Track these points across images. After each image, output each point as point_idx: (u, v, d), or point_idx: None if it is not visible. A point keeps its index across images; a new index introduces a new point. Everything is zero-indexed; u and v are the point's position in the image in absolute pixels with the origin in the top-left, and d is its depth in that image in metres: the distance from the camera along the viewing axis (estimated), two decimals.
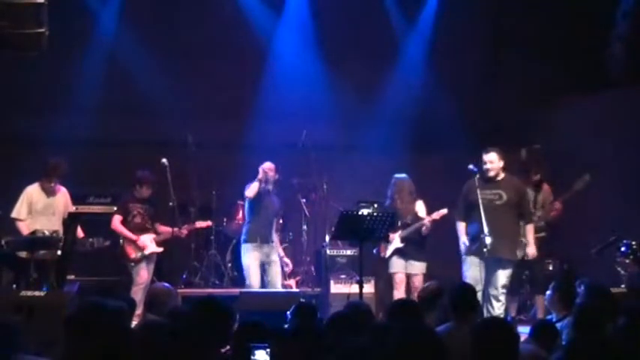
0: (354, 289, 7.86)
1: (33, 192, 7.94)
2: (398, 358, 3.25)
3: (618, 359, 3.31)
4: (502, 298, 7.42)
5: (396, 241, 8.31)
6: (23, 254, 7.47)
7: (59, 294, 6.85)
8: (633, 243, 7.77)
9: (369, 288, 8.49)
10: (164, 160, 8.69)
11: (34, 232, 7.62)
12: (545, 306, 7.07)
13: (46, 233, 7.58)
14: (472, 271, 7.41)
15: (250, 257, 8.40)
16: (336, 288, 9.13)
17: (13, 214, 7.84)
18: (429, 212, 8.31)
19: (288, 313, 4.91)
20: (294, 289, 9.06)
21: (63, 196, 8.11)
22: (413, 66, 10.71)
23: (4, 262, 7.60)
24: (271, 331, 4.01)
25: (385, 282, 8.68)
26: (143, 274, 8.29)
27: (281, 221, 9.40)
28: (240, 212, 9.58)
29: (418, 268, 8.33)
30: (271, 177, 8.41)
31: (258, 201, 8.45)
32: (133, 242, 8.30)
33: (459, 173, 7.85)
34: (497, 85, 10.87)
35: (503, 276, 7.43)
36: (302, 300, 6.66)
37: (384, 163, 9.59)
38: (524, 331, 5.74)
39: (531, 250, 7.67)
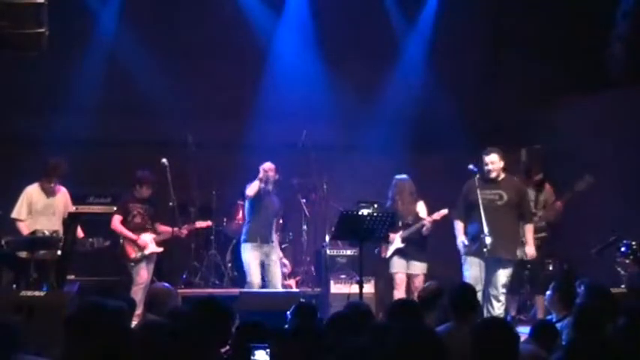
0: (354, 289, 7.87)
1: (33, 192, 7.94)
2: (398, 358, 3.25)
3: (618, 359, 3.31)
4: (502, 298, 7.42)
5: (396, 241, 8.32)
6: (23, 254, 7.47)
7: (59, 294, 6.85)
8: (633, 243, 7.76)
9: (369, 288, 8.49)
10: (164, 160, 8.69)
11: (34, 232, 7.62)
12: (545, 306, 7.07)
13: (46, 233, 7.58)
14: (472, 270, 7.41)
15: (250, 256, 8.43)
16: (336, 288, 9.13)
17: (13, 215, 7.84)
18: (430, 213, 8.32)
19: (288, 313, 4.91)
20: (294, 289, 9.07)
21: (63, 196, 8.11)
22: (413, 66, 10.71)
23: (4, 262, 7.59)
24: (271, 331, 4.01)
25: (385, 282, 8.68)
26: (143, 274, 8.29)
27: (281, 221, 9.41)
28: (240, 212, 9.58)
29: (419, 268, 8.33)
30: (271, 177, 8.43)
31: (259, 201, 8.46)
32: (133, 242, 8.30)
33: (459, 173, 7.85)
34: (497, 85, 10.87)
35: (503, 276, 7.43)
36: (302, 300, 6.66)
37: (384, 163, 9.59)
38: (524, 331, 5.74)
39: (530, 250, 7.67)
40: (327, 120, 10.20)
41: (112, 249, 8.36)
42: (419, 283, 8.13)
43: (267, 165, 8.45)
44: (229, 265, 9.70)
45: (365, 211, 7.90)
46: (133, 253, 8.30)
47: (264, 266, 8.47)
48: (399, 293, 8.22)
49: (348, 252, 9.38)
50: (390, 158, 9.76)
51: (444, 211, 8.08)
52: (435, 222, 8.21)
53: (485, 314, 7.17)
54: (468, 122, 10.26)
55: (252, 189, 8.40)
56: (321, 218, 9.76)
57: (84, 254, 8.16)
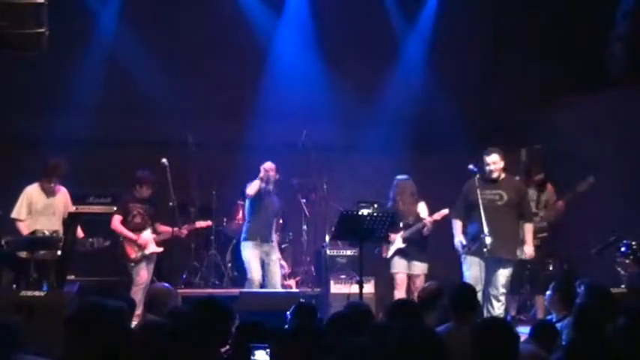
0: (354, 289, 7.87)
1: (33, 192, 7.93)
2: (398, 358, 3.25)
3: (618, 359, 3.31)
4: (502, 298, 7.42)
5: (398, 241, 8.32)
6: (23, 254, 7.47)
7: (59, 294, 6.84)
8: (633, 243, 7.77)
9: (369, 288, 8.49)
10: (164, 160, 8.69)
11: (34, 232, 7.61)
12: (545, 306, 7.07)
13: (46, 233, 7.58)
14: (473, 270, 7.41)
15: (250, 253, 8.45)
16: (336, 288, 9.13)
17: (13, 215, 7.84)
18: (430, 213, 8.32)
19: (288, 313, 4.91)
20: (294, 289, 9.07)
21: (63, 196, 8.10)
22: (413, 66, 10.71)
23: (4, 262, 7.59)
24: (271, 331, 4.01)
25: (386, 282, 8.68)
26: (143, 275, 8.29)
27: (281, 221, 9.41)
28: (240, 212, 9.59)
29: (420, 268, 8.34)
30: (272, 176, 8.45)
31: (259, 200, 8.47)
32: (134, 242, 8.30)
33: (459, 173, 7.85)
34: (497, 85, 10.87)
35: (503, 276, 7.43)
36: (302, 300, 6.67)
37: (384, 163, 9.60)
38: (524, 331, 5.74)
39: (528, 250, 7.66)
40: (327, 120, 10.20)
41: (112, 249, 8.35)
42: (420, 283, 8.13)
43: (268, 164, 8.46)
44: (229, 265, 9.70)
45: (365, 211, 7.90)
46: (133, 254, 8.30)
47: (264, 265, 8.48)
48: (400, 293, 8.22)
49: (348, 252, 9.38)
50: (390, 158, 9.77)
51: (445, 211, 8.08)
52: (435, 222, 8.21)
53: (485, 314, 7.17)
54: (468, 122, 10.26)
55: (252, 188, 8.40)
56: (321, 218, 9.76)
57: (84, 254, 8.16)
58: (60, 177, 7.99)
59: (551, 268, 8.71)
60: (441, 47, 10.53)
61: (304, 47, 10.54)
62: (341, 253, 9.47)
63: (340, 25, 10.40)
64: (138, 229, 8.36)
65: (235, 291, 8.24)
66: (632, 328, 4.11)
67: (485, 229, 7.18)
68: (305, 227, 9.93)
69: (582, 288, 5.67)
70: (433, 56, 10.62)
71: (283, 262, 8.93)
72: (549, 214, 8.52)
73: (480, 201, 7.33)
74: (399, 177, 8.57)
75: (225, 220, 9.90)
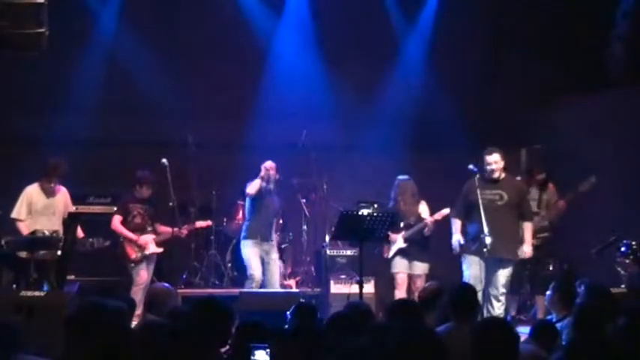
0: (354, 289, 7.87)
1: (32, 192, 7.93)
2: (398, 358, 3.25)
3: (618, 359, 3.31)
4: (502, 298, 7.42)
5: (399, 241, 8.32)
6: (23, 254, 7.46)
7: (59, 294, 6.85)
8: (633, 243, 7.76)
9: (369, 288, 8.49)
10: (164, 160, 8.69)
11: (34, 232, 7.61)
12: (545, 306, 7.07)
13: (46, 233, 7.58)
14: (472, 269, 7.41)
15: (250, 251, 8.47)
16: (336, 288, 9.13)
17: (13, 215, 7.83)
18: (431, 213, 8.32)
19: (288, 313, 4.91)
20: (294, 289, 9.08)
21: (63, 196, 8.10)
22: (413, 66, 10.71)
23: (4, 262, 7.59)
24: (271, 331, 4.01)
25: (386, 282, 8.68)
26: (143, 275, 8.29)
27: (281, 221, 9.42)
28: (240, 212, 9.59)
29: (421, 268, 8.34)
30: (273, 175, 8.46)
31: (260, 199, 8.48)
32: (134, 242, 8.30)
33: (459, 173, 7.84)
34: (497, 85, 10.87)
35: (503, 276, 7.43)
36: (302, 300, 6.67)
37: (384, 163, 9.60)
38: (524, 331, 5.74)
39: (527, 249, 7.63)
40: (327, 120, 10.20)
41: (112, 249, 8.35)
42: (421, 283, 8.11)
43: (269, 163, 8.47)
44: (229, 265, 9.69)
45: (365, 211, 7.89)
46: (134, 254, 8.30)
47: (264, 264, 8.49)
48: (400, 293, 8.22)
49: (348, 252, 9.38)
50: (390, 158, 9.77)
51: (446, 211, 8.08)
52: (436, 222, 8.21)
53: (485, 314, 7.17)
54: (468, 122, 10.26)
55: (253, 187, 8.41)
56: (321, 218, 9.76)
57: (84, 254, 8.16)
58: (60, 177, 7.98)
59: (551, 268, 8.70)
60: (441, 47, 10.53)
61: (304, 47, 10.54)
62: (341, 253, 9.47)
63: (340, 25, 10.40)
64: (138, 230, 8.36)
65: (235, 291, 8.23)
66: (632, 328, 4.11)
67: (485, 229, 7.18)
68: (305, 227, 9.92)
69: (582, 288, 5.67)
70: (433, 56, 10.62)
71: (280, 263, 8.93)
72: (551, 213, 8.51)
73: (480, 201, 7.32)
74: (400, 177, 8.58)
75: (225, 220, 9.90)
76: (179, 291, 8.27)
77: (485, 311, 7.22)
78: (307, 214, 9.91)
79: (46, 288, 7.27)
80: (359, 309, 4.84)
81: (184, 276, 9.49)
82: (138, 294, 7.92)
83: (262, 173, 8.41)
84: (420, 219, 8.36)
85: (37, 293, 6.28)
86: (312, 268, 9.82)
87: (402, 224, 8.33)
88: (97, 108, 9.72)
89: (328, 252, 9.45)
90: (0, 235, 7.43)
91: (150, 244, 8.35)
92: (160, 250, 8.46)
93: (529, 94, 10.29)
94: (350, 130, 10.36)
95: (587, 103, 9.61)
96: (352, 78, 10.33)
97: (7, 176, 8.78)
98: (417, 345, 3.25)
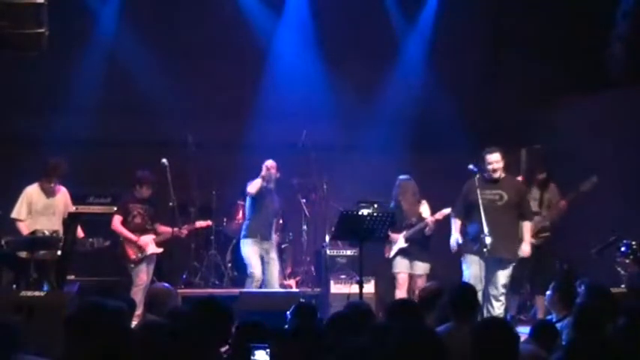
0: (354, 289, 7.87)
1: (32, 192, 7.93)
2: (398, 358, 3.25)
3: (618, 359, 3.31)
4: (502, 298, 7.41)
5: (400, 241, 8.32)
6: (23, 254, 7.46)
7: (59, 294, 6.85)
8: (633, 243, 7.76)
9: (369, 288, 8.49)
10: (164, 160, 8.69)
11: (34, 232, 7.61)
12: (545, 306, 7.07)
13: (46, 233, 7.57)
14: (473, 268, 7.40)
15: (250, 250, 8.48)
16: (336, 288, 9.13)
17: (13, 215, 7.83)
18: (432, 213, 8.32)
19: (288, 313, 4.91)
20: (294, 289, 9.08)
21: (63, 196, 8.10)
22: (413, 66, 10.72)
23: (4, 262, 7.59)
24: (271, 331, 4.01)
25: (387, 282, 8.68)
26: (143, 275, 8.29)
27: (281, 221, 9.42)
28: (240, 212, 9.59)
29: (422, 268, 8.33)
30: (274, 174, 8.47)
31: (260, 199, 8.49)
32: (133, 243, 8.30)
33: (459, 173, 7.84)
34: (497, 85, 10.87)
35: (503, 276, 7.42)
36: (302, 300, 6.67)
37: (384, 163, 9.60)
38: (524, 331, 5.74)
39: (526, 248, 7.62)
40: (327, 120, 10.20)
41: (112, 249, 8.36)
42: (422, 283, 8.10)
43: (270, 162, 8.48)
44: (229, 265, 9.70)
45: (365, 211, 7.89)
46: (133, 254, 8.30)
47: (263, 263, 8.49)
48: (401, 293, 8.22)
49: (348, 252, 9.39)
50: (390, 158, 9.77)
51: (447, 210, 8.07)
52: (437, 222, 8.21)
53: (485, 314, 7.16)
54: (468, 122, 10.27)
55: (254, 186, 8.41)
56: (321, 218, 9.76)
57: (84, 254, 8.16)
58: (60, 177, 7.98)
59: (551, 268, 8.69)
60: (441, 47, 10.53)
61: (304, 47, 10.54)
62: (341, 253, 9.47)
63: (340, 25, 10.40)
64: (138, 230, 8.36)
65: (235, 291, 8.23)
66: (632, 328, 4.11)
67: (485, 229, 7.17)
68: (305, 227, 9.93)
69: (582, 288, 5.67)
70: (433, 56, 10.62)
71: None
72: (552, 213, 8.50)
73: (480, 201, 7.32)
74: (402, 177, 8.57)
75: (225, 220, 9.90)
76: (179, 291, 8.28)
77: (485, 311, 7.22)
78: (307, 214, 9.91)
79: (46, 288, 7.27)
80: (359, 309, 4.84)
81: (184, 276, 9.49)
82: (138, 294, 7.92)
83: (264, 172, 8.42)
84: (421, 218, 8.36)
85: (37, 293, 6.28)
86: (312, 268, 9.82)
87: (403, 224, 8.33)
88: (97, 108, 9.72)
89: (328, 252, 9.45)
90: (0, 235, 7.43)
91: (150, 244, 8.35)
92: (160, 250, 8.47)
93: (529, 94, 10.29)
94: (350, 130, 10.37)
95: (587, 103, 9.61)
96: (352, 78, 10.33)
97: (7, 176, 8.78)
98: (417, 345, 3.25)
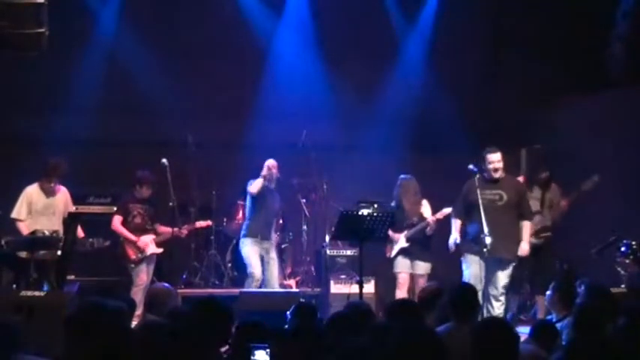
0: (354, 289, 7.87)
1: (32, 192, 7.93)
2: (398, 358, 3.25)
3: (618, 359, 3.31)
4: (502, 298, 7.41)
5: (401, 241, 8.31)
6: (23, 254, 7.46)
7: (59, 294, 6.85)
8: (633, 243, 7.76)
9: (369, 288, 8.50)
10: (164, 160, 8.69)
11: (34, 232, 7.61)
12: (545, 306, 7.07)
13: (46, 233, 7.57)
14: (472, 268, 7.40)
15: (250, 249, 8.47)
16: (336, 288, 9.13)
17: (13, 215, 7.83)
18: (433, 212, 8.32)
19: (288, 313, 4.91)
20: (294, 289, 9.07)
21: (63, 195, 8.10)
22: (413, 66, 10.72)
23: (4, 262, 7.59)
24: (271, 331, 4.01)
25: (387, 282, 8.68)
26: (143, 276, 8.29)
27: (281, 221, 9.42)
28: (240, 212, 9.59)
29: (423, 268, 8.31)
30: (274, 174, 8.47)
31: (261, 198, 8.48)
32: (133, 243, 8.30)
33: (459, 173, 7.84)
34: (497, 85, 10.88)
35: (503, 276, 7.42)
36: (302, 300, 6.67)
37: (384, 163, 9.60)
38: (524, 331, 5.74)
39: (525, 247, 7.60)
40: (327, 120, 10.21)
41: (112, 249, 8.36)
42: (423, 283, 8.09)
43: (271, 162, 8.48)
44: (229, 265, 9.70)
45: (365, 211, 7.89)
46: (133, 255, 8.30)
47: (263, 263, 8.49)
48: (402, 293, 8.21)
49: (348, 252, 9.39)
50: (390, 158, 9.77)
51: (447, 210, 8.06)
52: (438, 221, 8.21)
53: (485, 314, 7.16)
54: (468, 122, 10.27)
55: (255, 186, 8.41)
56: (321, 218, 9.76)
57: (84, 254, 8.16)
58: (60, 177, 7.98)
59: (551, 268, 8.69)
60: (441, 47, 10.53)
61: (304, 47, 10.55)
62: (341, 253, 9.47)
63: (340, 25, 10.40)
64: (138, 230, 8.36)
65: (235, 291, 8.23)
66: (632, 328, 4.11)
67: (486, 229, 7.17)
68: (305, 227, 9.93)
69: (582, 288, 5.67)
70: (433, 56, 10.62)
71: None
72: (554, 213, 8.50)
73: (480, 201, 7.32)
74: (403, 176, 8.56)
75: (225, 220, 9.90)
76: (179, 291, 8.28)
77: (485, 311, 7.21)
78: (307, 214, 9.91)
79: (46, 288, 7.27)
80: (359, 309, 4.84)
81: (184, 276, 9.49)
82: (138, 294, 7.92)
83: (265, 172, 8.41)
84: (422, 218, 8.35)
85: (37, 293, 6.28)
86: (312, 268, 9.82)
87: (404, 223, 8.32)
88: (97, 108, 9.73)
89: (328, 252, 9.45)
90: (0, 235, 7.43)
91: (150, 244, 8.35)
92: (160, 250, 8.47)
93: (529, 94, 10.29)
94: (350, 130, 10.37)
95: (587, 103, 9.61)
96: (352, 78, 10.34)
97: (7, 176, 8.79)
98: (417, 345, 3.25)
